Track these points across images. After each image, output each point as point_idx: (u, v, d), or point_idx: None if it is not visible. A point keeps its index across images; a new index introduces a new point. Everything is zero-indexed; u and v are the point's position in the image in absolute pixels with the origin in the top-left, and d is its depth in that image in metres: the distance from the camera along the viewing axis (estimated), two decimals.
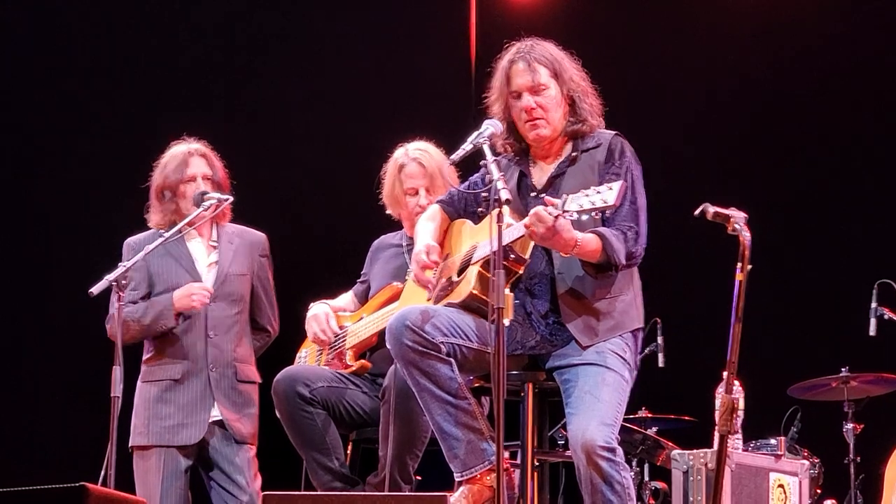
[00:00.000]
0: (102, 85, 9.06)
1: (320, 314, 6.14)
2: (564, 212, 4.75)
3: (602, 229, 4.99)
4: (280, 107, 9.14)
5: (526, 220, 4.86)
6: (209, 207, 6.14)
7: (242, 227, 6.44)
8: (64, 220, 8.87)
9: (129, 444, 6.17)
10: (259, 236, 6.44)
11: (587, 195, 4.73)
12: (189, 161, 6.26)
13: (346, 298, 6.31)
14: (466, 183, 5.46)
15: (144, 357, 6.26)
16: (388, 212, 6.24)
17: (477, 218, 5.40)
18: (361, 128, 8.73)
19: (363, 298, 6.26)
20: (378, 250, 6.32)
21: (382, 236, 6.37)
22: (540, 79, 5.19)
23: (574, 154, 5.19)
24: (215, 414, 6.16)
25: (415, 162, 6.09)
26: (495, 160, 5.07)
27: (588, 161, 5.16)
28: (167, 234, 6.04)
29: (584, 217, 4.78)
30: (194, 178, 6.24)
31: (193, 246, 6.31)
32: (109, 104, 9.01)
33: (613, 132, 5.24)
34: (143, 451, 6.15)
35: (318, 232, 8.93)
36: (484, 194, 5.02)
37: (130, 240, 6.31)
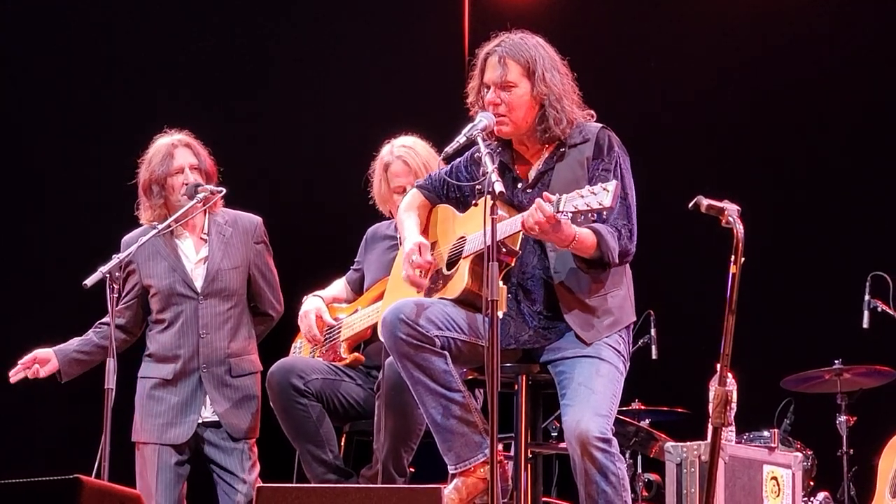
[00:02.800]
0: (98, 79, 9.06)
1: (311, 311, 6.13)
2: (559, 212, 4.75)
3: (598, 226, 4.97)
4: (276, 99, 9.14)
5: (524, 218, 4.85)
6: (203, 200, 6.12)
7: (236, 213, 6.39)
8: (60, 213, 8.86)
9: (132, 439, 6.22)
10: (253, 222, 6.39)
11: (582, 196, 4.72)
12: (174, 153, 6.23)
13: (339, 286, 6.30)
14: (448, 167, 5.44)
15: (145, 352, 6.27)
16: (378, 208, 6.24)
17: (460, 205, 5.39)
18: (356, 121, 8.73)
19: (356, 286, 6.25)
20: (373, 240, 6.32)
21: (376, 225, 6.36)
22: (508, 76, 5.13)
23: (562, 150, 5.17)
24: (207, 415, 6.16)
25: (399, 160, 6.08)
26: (489, 151, 5.07)
27: (576, 156, 5.13)
28: (161, 226, 6.03)
29: (580, 218, 4.78)
30: (181, 170, 6.21)
31: (183, 242, 6.28)
32: (105, 98, 9.00)
33: (600, 125, 5.20)
34: (142, 445, 6.19)
35: (313, 220, 8.93)
36: (478, 186, 5.01)
37: (126, 237, 6.29)
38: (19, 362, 6.19)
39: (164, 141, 6.29)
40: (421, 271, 5.22)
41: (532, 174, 5.22)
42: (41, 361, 6.19)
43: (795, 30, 9.04)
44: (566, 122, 5.14)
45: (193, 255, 6.27)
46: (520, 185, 5.21)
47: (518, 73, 5.14)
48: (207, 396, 6.14)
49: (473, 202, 5.25)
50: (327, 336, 6.11)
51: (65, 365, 6.20)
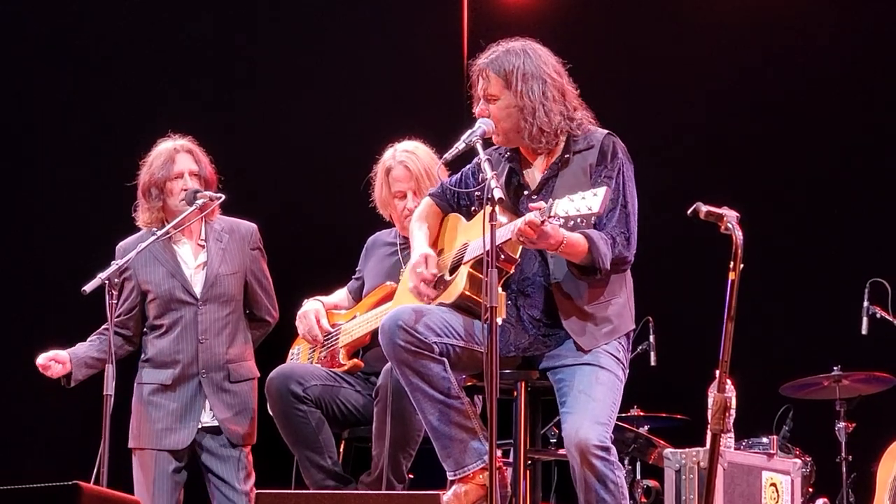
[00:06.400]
0: (94, 81, 9.05)
1: (310, 312, 6.14)
2: (550, 217, 4.75)
3: (591, 232, 4.96)
4: (275, 102, 9.14)
5: (517, 226, 4.85)
6: (201, 207, 6.14)
7: (232, 220, 6.41)
8: (58, 218, 8.86)
9: (129, 445, 6.20)
10: (249, 228, 6.41)
11: (572, 201, 4.71)
12: (175, 158, 6.25)
13: (341, 295, 6.31)
14: (458, 175, 5.45)
15: (141, 358, 6.27)
16: (379, 212, 6.24)
17: (468, 214, 5.40)
18: (355, 124, 8.73)
19: (357, 295, 6.26)
20: (372, 247, 6.32)
21: (377, 233, 6.36)
22: (490, 88, 5.15)
23: (566, 156, 5.18)
24: (206, 420, 6.16)
25: (401, 165, 6.08)
26: (488, 158, 5.08)
27: (580, 163, 5.13)
28: (160, 232, 6.04)
29: (570, 223, 4.76)
30: (181, 175, 6.22)
31: (181, 248, 6.29)
32: (103, 100, 9.00)
33: (606, 132, 5.20)
34: (139, 451, 6.18)
35: (313, 227, 8.92)
36: (477, 193, 5.02)
37: (122, 243, 6.30)
38: (40, 358, 6.11)
39: (167, 145, 6.31)
40: (426, 284, 5.22)
41: (536, 181, 5.22)
42: (60, 361, 6.14)
43: (796, 33, 9.04)
44: (538, 131, 5.11)
45: (192, 261, 6.28)
46: (525, 193, 5.21)
47: (499, 86, 5.15)
48: (207, 401, 6.15)
49: (473, 209, 5.28)
50: (325, 342, 6.11)
51: (76, 369, 6.15)
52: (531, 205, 4.85)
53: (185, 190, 6.19)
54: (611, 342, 5.10)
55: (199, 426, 6.14)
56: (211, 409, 6.15)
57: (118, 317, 6.17)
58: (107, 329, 5.97)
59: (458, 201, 5.45)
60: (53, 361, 6.13)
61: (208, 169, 6.31)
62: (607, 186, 4.81)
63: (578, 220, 4.71)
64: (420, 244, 5.36)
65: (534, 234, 4.80)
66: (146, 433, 6.14)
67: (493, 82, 5.15)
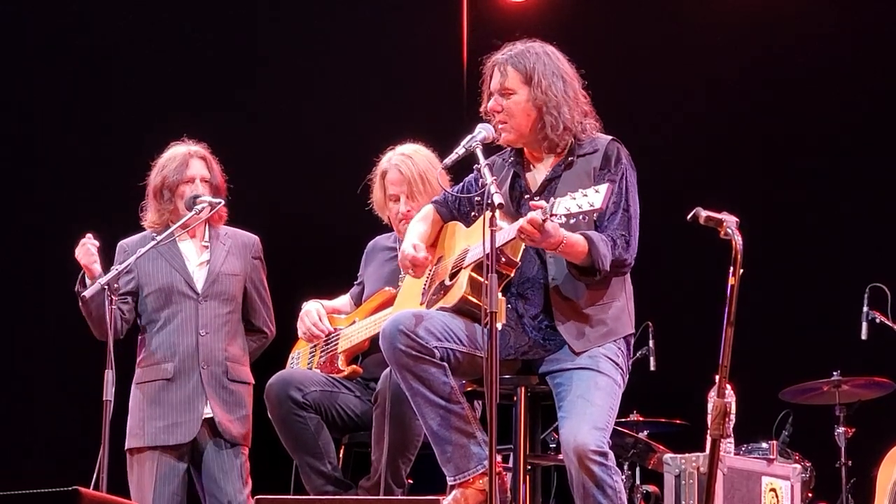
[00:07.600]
0: (97, 85, 9.06)
1: (312, 311, 6.14)
2: (552, 215, 4.76)
3: (591, 233, 4.98)
4: (274, 107, 9.14)
5: (519, 225, 4.86)
6: (201, 211, 6.15)
7: (235, 230, 6.44)
8: (58, 218, 8.86)
9: (125, 447, 6.17)
10: (251, 238, 6.45)
11: (574, 198, 4.73)
12: (189, 163, 6.27)
13: (343, 300, 6.32)
14: (460, 185, 5.47)
15: (138, 360, 6.26)
16: (377, 214, 6.25)
17: (470, 221, 5.40)
18: (354, 128, 8.73)
19: (359, 301, 6.26)
20: (372, 252, 6.33)
21: (377, 237, 6.37)
22: (507, 82, 5.18)
23: (570, 159, 5.18)
24: (208, 411, 6.15)
25: (395, 168, 6.10)
26: (488, 163, 5.08)
27: (584, 166, 5.15)
28: (159, 238, 6.04)
29: (572, 220, 4.78)
30: (193, 180, 6.25)
31: (185, 246, 6.32)
32: (105, 104, 9.01)
33: (610, 137, 5.22)
34: (138, 453, 6.15)
35: (312, 228, 8.92)
36: (477, 198, 5.02)
37: (123, 242, 6.33)
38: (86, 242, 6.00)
39: (181, 149, 6.33)
40: (415, 263, 5.24)
41: (538, 183, 5.23)
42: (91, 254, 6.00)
43: (795, 38, 9.05)
44: (563, 129, 5.15)
45: (195, 258, 6.30)
46: (526, 196, 5.21)
47: (517, 80, 5.17)
48: (207, 395, 6.13)
49: (474, 215, 5.28)
50: (325, 347, 6.11)
51: (96, 283, 5.82)
52: (532, 203, 4.86)
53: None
54: (609, 346, 5.10)
55: (203, 416, 6.12)
56: (209, 403, 6.13)
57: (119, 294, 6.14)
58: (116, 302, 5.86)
59: (459, 208, 5.46)
60: (93, 246, 5.99)
61: (219, 177, 6.35)
62: (609, 184, 4.82)
63: (581, 216, 4.74)
64: (410, 237, 5.37)
65: (536, 232, 4.81)
66: (150, 431, 6.11)
67: (511, 77, 5.17)
